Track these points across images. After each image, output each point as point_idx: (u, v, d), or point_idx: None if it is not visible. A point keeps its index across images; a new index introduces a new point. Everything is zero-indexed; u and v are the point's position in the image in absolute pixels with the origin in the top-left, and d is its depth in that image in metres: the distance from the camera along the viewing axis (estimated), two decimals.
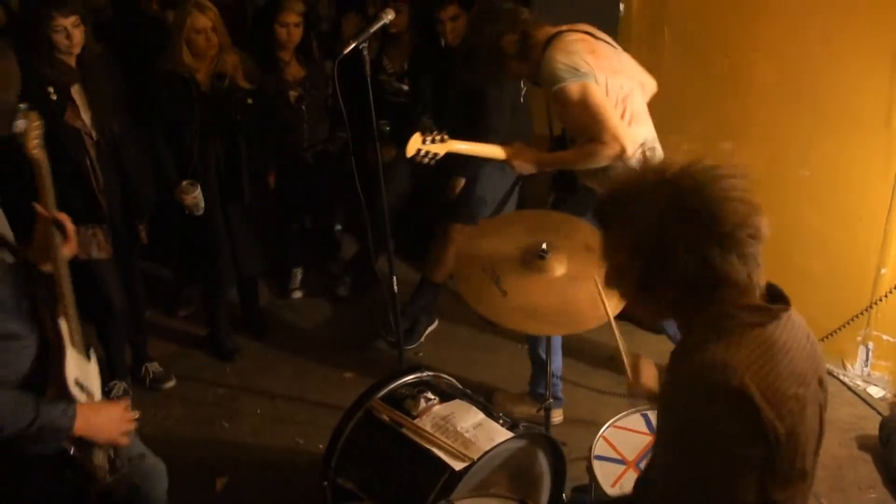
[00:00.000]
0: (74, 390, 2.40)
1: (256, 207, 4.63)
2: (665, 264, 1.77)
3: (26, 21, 3.73)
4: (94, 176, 3.87)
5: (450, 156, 4.86)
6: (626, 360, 2.53)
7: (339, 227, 5.90)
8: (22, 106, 2.60)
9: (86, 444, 2.42)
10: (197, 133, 4.24)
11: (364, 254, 5.35)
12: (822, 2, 3.92)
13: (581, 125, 3.50)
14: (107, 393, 4.43)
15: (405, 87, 5.02)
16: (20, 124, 2.61)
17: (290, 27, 4.67)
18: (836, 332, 4.25)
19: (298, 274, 5.48)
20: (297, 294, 5.46)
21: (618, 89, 3.54)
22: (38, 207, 2.52)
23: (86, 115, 3.80)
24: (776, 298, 1.87)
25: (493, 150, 3.71)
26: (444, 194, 4.89)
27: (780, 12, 4.07)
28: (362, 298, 5.33)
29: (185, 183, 4.26)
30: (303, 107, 4.85)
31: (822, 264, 4.26)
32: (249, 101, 4.34)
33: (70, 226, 2.56)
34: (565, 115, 3.58)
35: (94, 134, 3.83)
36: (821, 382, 1.91)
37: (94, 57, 3.83)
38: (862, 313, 4.18)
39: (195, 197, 4.28)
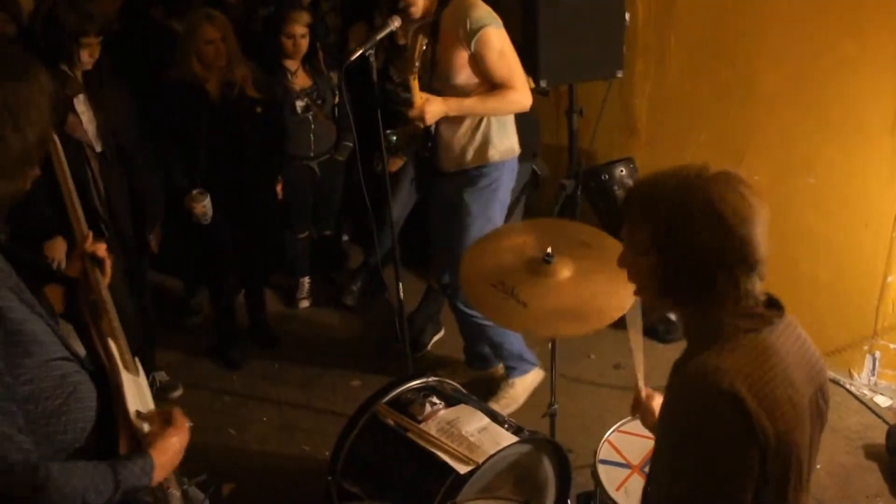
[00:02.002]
0: (138, 424, 2.20)
1: (264, 216, 4.66)
2: (675, 263, 1.80)
3: (50, 36, 3.74)
4: (96, 188, 3.88)
5: None
6: (640, 379, 2.52)
7: (346, 237, 5.92)
8: None
9: (161, 489, 2.24)
10: (206, 142, 4.27)
11: (371, 263, 5.37)
12: (828, 11, 3.93)
13: (493, 75, 3.60)
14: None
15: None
16: None
17: (297, 38, 4.70)
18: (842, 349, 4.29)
19: (306, 283, 5.51)
20: (305, 303, 5.48)
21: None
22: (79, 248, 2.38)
23: (89, 127, 3.82)
24: (772, 306, 1.87)
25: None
26: None
27: (785, 21, 4.09)
28: (369, 307, 5.35)
29: (194, 192, 4.29)
30: (309, 116, 4.89)
31: (829, 271, 4.27)
32: (258, 110, 4.37)
33: (104, 254, 2.42)
34: (467, 65, 3.62)
35: (97, 146, 3.85)
36: (821, 391, 1.90)
37: (103, 69, 3.87)
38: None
39: (204, 206, 4.31)
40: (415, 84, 3.51)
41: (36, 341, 1.92)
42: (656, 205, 1.82)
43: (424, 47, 3.51)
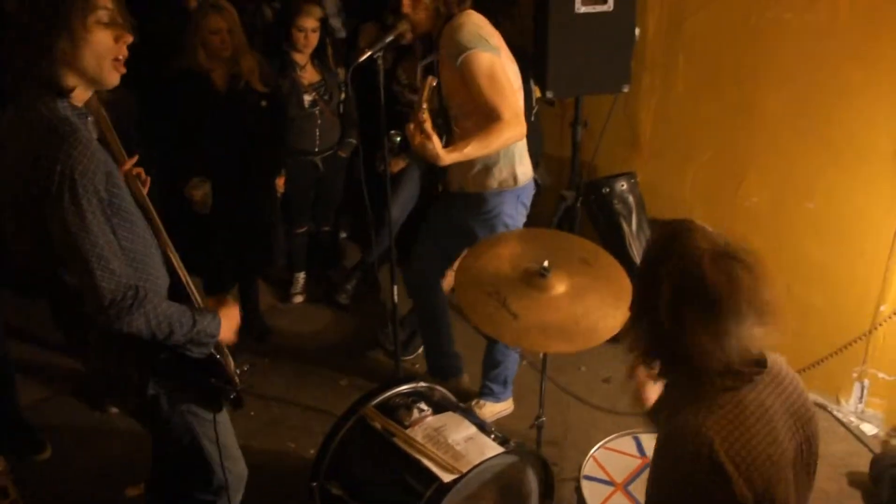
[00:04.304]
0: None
1: (263, 209, 4.65)
2: (647, 329, 1.86)
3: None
4: None
5: None
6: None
7: (343, 234, 5.92)
8: None
9: (221, 351, 2.63)
10: (209, 132, 4.26)
11: (367, 262, 5.37)
12: (834, 35, 3.93)
13: (481, 100, 3.45)
14: None
15: None
16: None
17: (308, 32, 4.69)
18: (823, 360, 4.29)
19: (301, 279, 5.50)
20: (298, 299, 5.48)
21: (514, 78, 3.58)
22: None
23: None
24: (756, 362, 1.90)
25: None
26: None
27: (792, 44, 4.08)
28: (363, 307, 5.35)
29: (195, 179, 4.29)
30: (316, 111, 4.87)
31: (823, 297, 4.26)
32: (263, 103, 4.37)
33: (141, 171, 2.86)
34: (461, 88, 3.50)
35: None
36: (807, 442, 1.94)
37: None
38: (855, 341, 4.21)
39: (205, 194, 4.31)
40: (427, 124, 3.33)
41: (129, 211, 2.34)
42: (638, 277, 1.93)
43: (434, 84, 3.35)
